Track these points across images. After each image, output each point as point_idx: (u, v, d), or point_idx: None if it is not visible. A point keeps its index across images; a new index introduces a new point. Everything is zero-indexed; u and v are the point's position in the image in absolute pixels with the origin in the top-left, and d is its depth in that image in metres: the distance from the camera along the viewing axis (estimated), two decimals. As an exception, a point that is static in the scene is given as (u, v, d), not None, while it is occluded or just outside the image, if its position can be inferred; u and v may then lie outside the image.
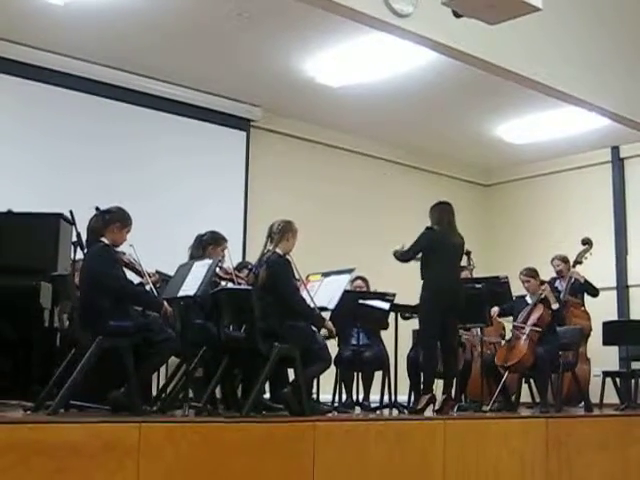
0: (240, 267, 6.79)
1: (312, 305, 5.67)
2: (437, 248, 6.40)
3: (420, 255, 6.49)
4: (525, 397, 7.96)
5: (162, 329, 5.17)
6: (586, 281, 8.54)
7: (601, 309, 9.02)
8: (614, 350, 9.27)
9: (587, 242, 8.51)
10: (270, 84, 8.84)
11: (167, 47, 7.96)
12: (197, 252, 6.12)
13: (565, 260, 8.54)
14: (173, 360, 5.90)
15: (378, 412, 7.05)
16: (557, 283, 8.41)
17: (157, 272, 6.05)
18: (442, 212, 6.59)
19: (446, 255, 6.44)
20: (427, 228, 6.51)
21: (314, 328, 5.95)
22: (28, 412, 4.88)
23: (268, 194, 9.42)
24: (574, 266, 8.44)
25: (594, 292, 8.65)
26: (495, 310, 7.51)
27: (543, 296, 7.36)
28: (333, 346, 7.02)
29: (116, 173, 8.30)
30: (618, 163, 10.75)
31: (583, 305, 8.69)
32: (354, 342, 7.24)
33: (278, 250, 5.72)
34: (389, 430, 5.44)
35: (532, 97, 8.48)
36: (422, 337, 6.50)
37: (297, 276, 5.76)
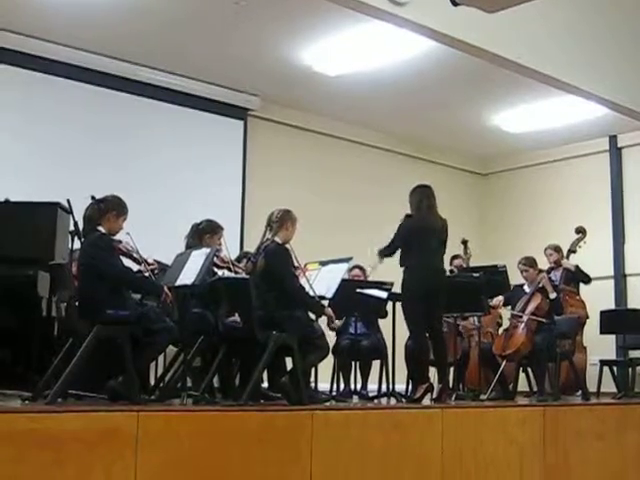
0: (240, 258, 6.79)
1: (311, 293, 5.68)
2: (416, 235, 6.30)
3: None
4: (522, 386, 7.99)
5: (160, 318, 5.17)
6: (577, 268, 8.54)
7: (598, 298, 9.05)
8: (611, 339, 9.29)
9: (581, 231, 8.53)
10: (268, 73, 8.82)
11: (164, 36, 7.93)
12: (193, 241, 6.12)
13: (557, 249, 8.53)
14: (171, 349, 5.90)
15: (376, 401, 7.06)
16: (552, 273, 8.41)
17: (155, 261, 6.05)
18: (421, 196, 6.44)
19: (426, 241, 6.30)
20: (406, 216, 6.42)
21: (312, 316, 5.95)
22: (26, 402, 4.88)
23: (265, 183, 9.41)
24: (568, 255, 8.46)
25: (586, 279, 8.64)
26: (500, 299, 7.50)
27: (541, 285, 7.37)
28: (331, 335, 7.03)
29: (113, 162, 8.28)
30: (616, 152, 10.74)
31: (578, 294, 8.69)
32: (352, 331, 7.25)
33: (277, 239, 5.72)
34: (387, 419, 5.44)
35: (530, 86, 8.48)
36: (409, 326, 6.43)
37: (296, 264, 5.77)
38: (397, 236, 6.38)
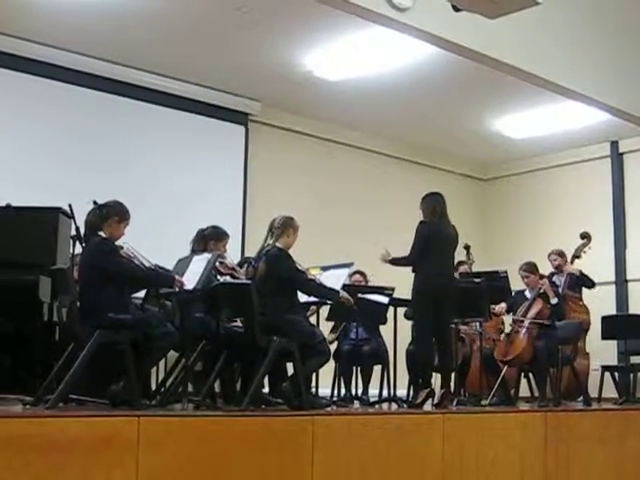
0: (242, 264, 6.80)
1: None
2: (430, 241, 6.30)
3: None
4: (524, 391, 7.98)
5: (161, 323, 5.17)
6: (581, 273, 8.52)
7: (600, 303, 9.03)
8: (613, 344, 9.28)
9: (585, 236, 8.52)
10: (269, 78, 8.82)
11: (166, 41, 7.94)
12: (198, 246, 6.14)
13: (561, 254, 8.52)
14: (172, 354, 5.90)
15: (377, 406, 7.06)
16: (555, 278, 8.41)
17: (156, 266, 6.05)
18: (434, 204, 6.46)
19: (439, 247, 6.33)
20: (421, 222, 6.42)
21: (313, 322, 5.94)
22: (27, 406, 4.89)
23: (267, 188, 9.42)
24: (572, 260, 8.45)
25: (590, 284, 8.62)
26: (502, 307, 7.49)
27: (542, 291, 7.36)
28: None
29: (114, 167, 8.29)
30: (617, 158, 10.75)
31: (581, 299, 8.68)
32: (353, 336, 7.26)
33: (278, 244, 5.73)
34: (388, 424, 5.44)
35: (531, 91, 8.48)
36: (417, 331, 6.44)
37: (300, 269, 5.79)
38: (417, 243, 6.33)
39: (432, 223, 6.40)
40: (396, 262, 6.46)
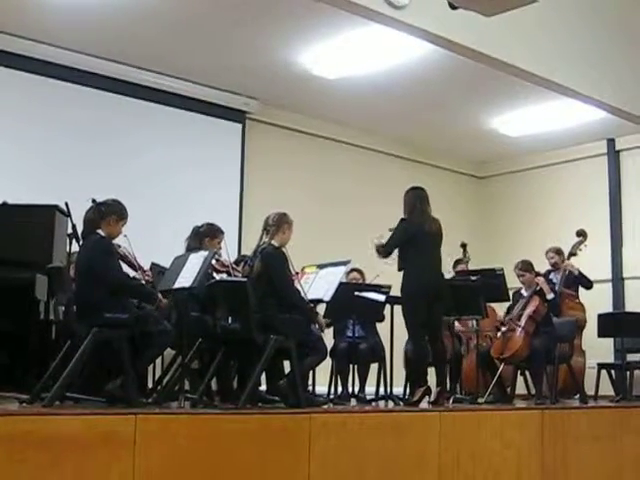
0: (238, 261, 6.80)
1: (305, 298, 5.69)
2: (413, 238, 6.28)
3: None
4: (520, 389, 7.98)
5: (158, 321, 5.17)
6: (580, 273, 8.54)
7: (596, 301, 9.04)
8: (609, 342, 9.29)
9: (581, 234, 8.53)
10: (266, 76, 8.82)
11: (163, 39, 7.93)
12: (194, 244, 6.13)
13: (559, 252, 8.54)
14: (169, 352, 5.90)
15: (374, 404, 7.06)
16: (552, 275, 8.43)
17: (153, 264, 6.05)
18: (414, 200, 6.44)
19: (423, 244, 6.29)
20: (401, 219, 6.40)
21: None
22: (24, 404, 4.88)
23: (264, 186, 9.41)
24: (569, 258, 8.46)
25: (588, 284, 8.64)
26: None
27: (538, 288, 7.38)
28: (329, 338, 7.03)
29: (111, 165, 8.28)
30: (614, 155, 10.75)
31: (578, 297, 8.69)
32: (350, 334, 7.25)
33: (274, 242, 5.72)
34: (385, 422, 5.45)
35: (528, 89, 8.49)
36: (409, 330, 6.41)
37: (292, 270, 5.77)
38: (394, 238, 6.34)
39: (411, 221, 6.37)
40: (377, 249, 6.41)
